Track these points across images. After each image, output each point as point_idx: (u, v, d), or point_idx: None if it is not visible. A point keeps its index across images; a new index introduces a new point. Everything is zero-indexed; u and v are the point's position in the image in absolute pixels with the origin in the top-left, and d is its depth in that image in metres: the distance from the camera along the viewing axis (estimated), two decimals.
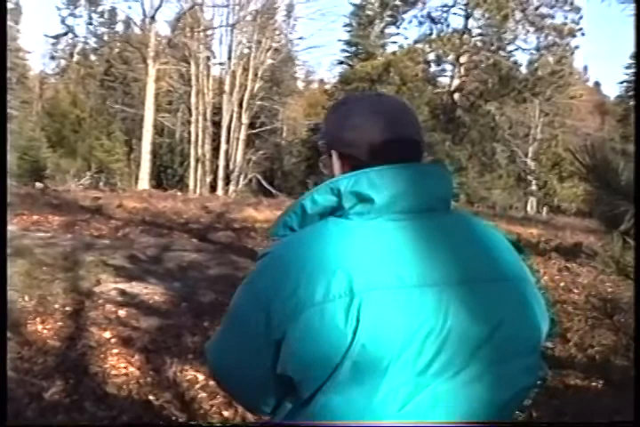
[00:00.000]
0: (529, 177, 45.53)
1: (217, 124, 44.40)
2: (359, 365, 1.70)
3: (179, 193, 29.66)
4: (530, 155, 46.59)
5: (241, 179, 44.37)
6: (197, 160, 43.46)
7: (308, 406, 1.78)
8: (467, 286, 1.80)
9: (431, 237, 1.85)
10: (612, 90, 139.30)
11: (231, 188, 42.17)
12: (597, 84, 76.67)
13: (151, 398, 5.58)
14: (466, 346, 1.75)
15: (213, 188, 42.75)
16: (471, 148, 39.81)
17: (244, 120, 45.05)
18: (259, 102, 46.33)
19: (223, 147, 43.63)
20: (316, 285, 1.72)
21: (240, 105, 44.55)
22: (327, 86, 59.19)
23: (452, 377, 1.76)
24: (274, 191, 40.44)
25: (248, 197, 33.33)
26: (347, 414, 1.74)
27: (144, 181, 37.54)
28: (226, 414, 5.36)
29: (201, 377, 6.09)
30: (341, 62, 52.17)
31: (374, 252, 1.78)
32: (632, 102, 65.84)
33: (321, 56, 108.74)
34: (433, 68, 41.76)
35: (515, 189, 45.03)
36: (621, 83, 66.69)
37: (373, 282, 1.72)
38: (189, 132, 45.06)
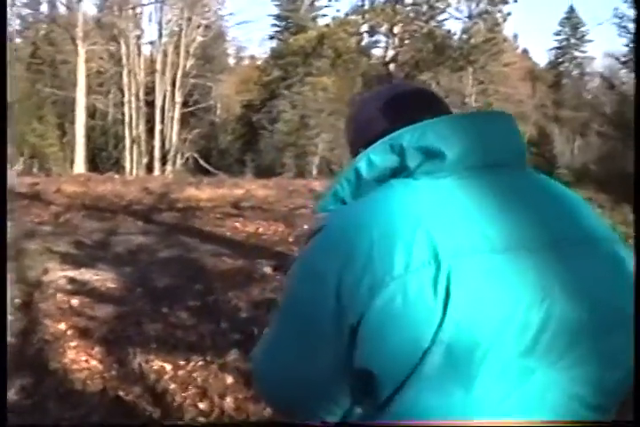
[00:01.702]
0: None
1: (150, 104, 43.78)
2: (453, 348, 1.38)
3: (116, 175, 29.07)
4: None
5: (178, 158, 43.88)
6: (133, 141, 42.81)
7: (389, 405, 1.45)
8: (561, 248, 1.49)
9: (513, 195, 1.55)
10: (542, 57, 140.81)
11: (168, 168, 41.73)
12: (526, 51, 77.13)
13: (120, 393, 5.23)
14: (570, 320, 1.45)
15: (150, 169, 42.18)
16: None
17: (178, 99, 44.49)
18: (192, 80, 45.71)
19: (158, 127, 43.07)
20: (393, 254, 1.40)
21: (173, 84, 43.97)
22: (259, 62, 58.83)
23: (559, 358, 1.45)
24: (211, 170, 40.02)
25: (186, 176, 32.91)
26: (443, 412, 1.41)
27: (79, 165, 36.91)
28: (201, 406, 5.05)
29: (168, 367, 5.77)
30: (272, 37, 51.84)
31: (454, 212, 1.47)
32: (562, 68, 66.74)
33: (251, 31, 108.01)
34: (367, 39, 41.59)
35: None
36: (551, 50, 67.58)
37: (461, 246, 1.41)
38: (123, 114, 44.36)
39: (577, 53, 66.94)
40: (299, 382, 1.62)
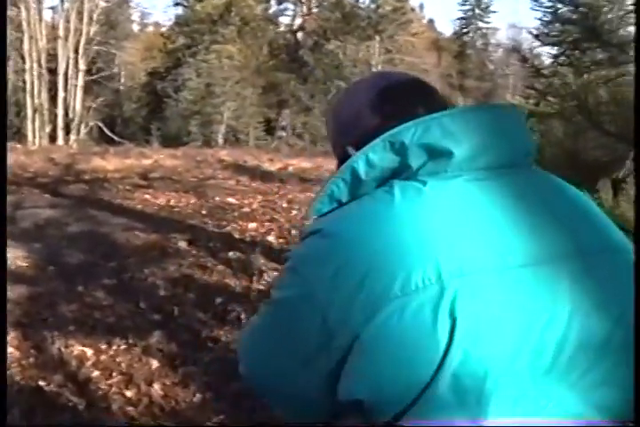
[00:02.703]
0: None
1: (53, 72, 42.49)
2: (460, 378, 1.23)
3: (18, 145, 28.25)
4: None
5: (82, 127, 42.84)
6: (35, 110, 41.55)
7: None
8: (585, 258, 1.35)
9: (528, 200, 1.40)
10: (447, 27, 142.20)
11: (72, 137, 40.70)
12: (432, 21, 77.68)
13: (41, 383, 4.97)
14: (592, 337, 1.31)
15: (53, 138, 41.11)
16: (317, 87, 39.62)
17: (82, 66, 43.27)
18: (95, 47, 44.57)
19: (61, 95, 41.87)
20: (392, 272, 1.25)
21: (76, 51, 42.68)
22: (163, 29, 57.87)
23: (579, 379, 1.30)
24: (116, 139, 39.28)
25: (90, 145, 32.26)
26: None
27: None
28: (128, 394, 4.83)
29: (89, 352, 5.54)
30: (178, 4, 50.97)
31: (462, 223, 1.32)
32: (466, 38, 67.36)
33: None
34: (275, 7, 41.27)
35: None
36: (455, 20, 68.26)
37: (469, 263, 1.26)
38: (24, 81, 42.90)
39: (481, 24, 67.60)
40: (281, 387, 1.49)
